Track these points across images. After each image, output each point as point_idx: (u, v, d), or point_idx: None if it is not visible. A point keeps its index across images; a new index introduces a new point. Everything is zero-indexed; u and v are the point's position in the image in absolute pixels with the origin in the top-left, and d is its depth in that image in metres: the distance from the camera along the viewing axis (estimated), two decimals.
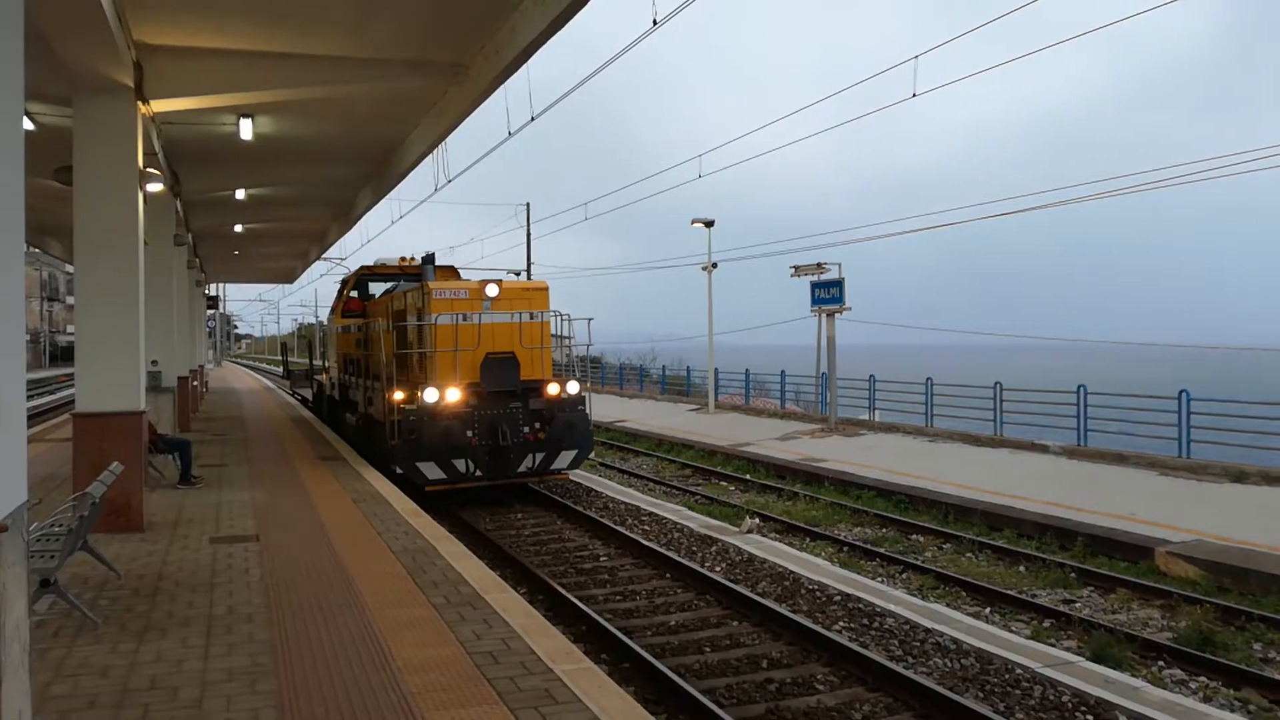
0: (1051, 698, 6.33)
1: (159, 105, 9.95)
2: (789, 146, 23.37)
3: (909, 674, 6.57)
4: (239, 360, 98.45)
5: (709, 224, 27.75)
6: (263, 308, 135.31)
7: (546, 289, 14.31)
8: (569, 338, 14.51)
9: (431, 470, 12.65)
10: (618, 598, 9.03)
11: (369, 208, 20.98)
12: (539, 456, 13.22)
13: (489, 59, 10.30)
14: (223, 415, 23.58)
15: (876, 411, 24.69)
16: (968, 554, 11.82)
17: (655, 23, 9.94)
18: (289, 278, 46.35)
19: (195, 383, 23.92)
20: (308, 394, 30.26)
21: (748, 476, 17.91)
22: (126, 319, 9.19)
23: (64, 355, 70.45)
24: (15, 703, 3.59)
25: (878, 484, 15.47)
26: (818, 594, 8.83)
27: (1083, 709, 6.13)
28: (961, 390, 22.41)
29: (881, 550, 11.95)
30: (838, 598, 8.65)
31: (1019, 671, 6.74)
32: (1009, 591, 9.95)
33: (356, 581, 7.14)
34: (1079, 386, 18.12)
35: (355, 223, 24.20)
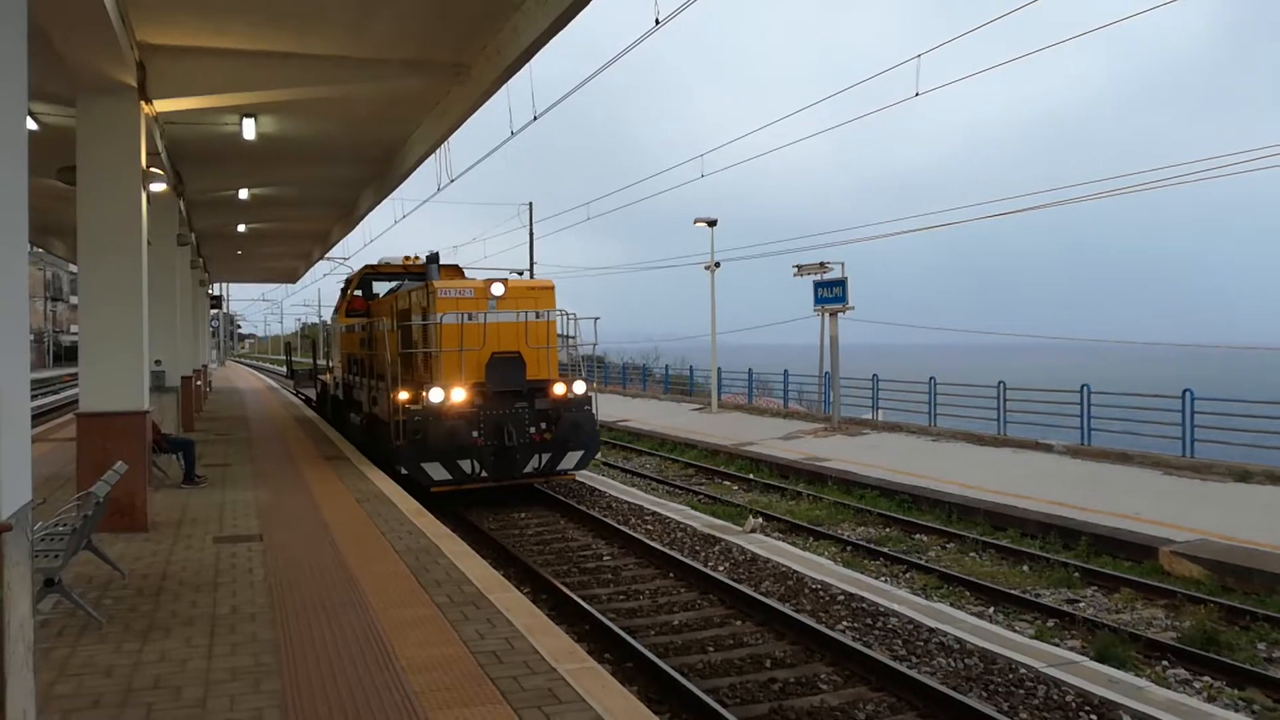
0: (1055, 697, 6.32)
1: (162, 105, 9.95)
2: (790, 146, 23.37)
3: (913, 674, 6.57)
4: (242, 360, 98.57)
5: (711, 223, 27.75)
6: (266, 307, 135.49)
7: (552, 287, 14.18)
8: (573, 337, 14.43)
9: (437, 471, 12.58)
10: (621, 597, 9.03)
11: (372, 207, 20.98)
12: (545, 457, 13.14)
13: (491, 59, 10.30)
14: (226, 415, 23.61)
15: (880, 411, 24.68)
16: (971, 553, 11.81)
17: (658, 21, 9.94)
18: (292, 277, 46.41)
19: (199, 382, 23.94)
20: (311, 394, 30.29)
21: (751, 476, 17.90)
22: (130, 319, 9.20)
23: (68, 355, 70.60)
24: (20, 702, 3.59)
25: (881, 483, 15.46)
26: (821, 593, 8.82)
27: (1086, 709, 6.12)
28: (965, 389, 22.40)
29: (885, 550, 11.94)
30: (841, 597, 8.65)
31: (1023, 671, 6.74)
32: (1013, 591, 9.94)
33: (360, 581, 7.14)
34: (1083, 386, 18.09)
35: (358, 222, 24.22)
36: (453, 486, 12.76)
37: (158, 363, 14.60)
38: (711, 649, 7.49)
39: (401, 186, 17.89)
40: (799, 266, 23.78)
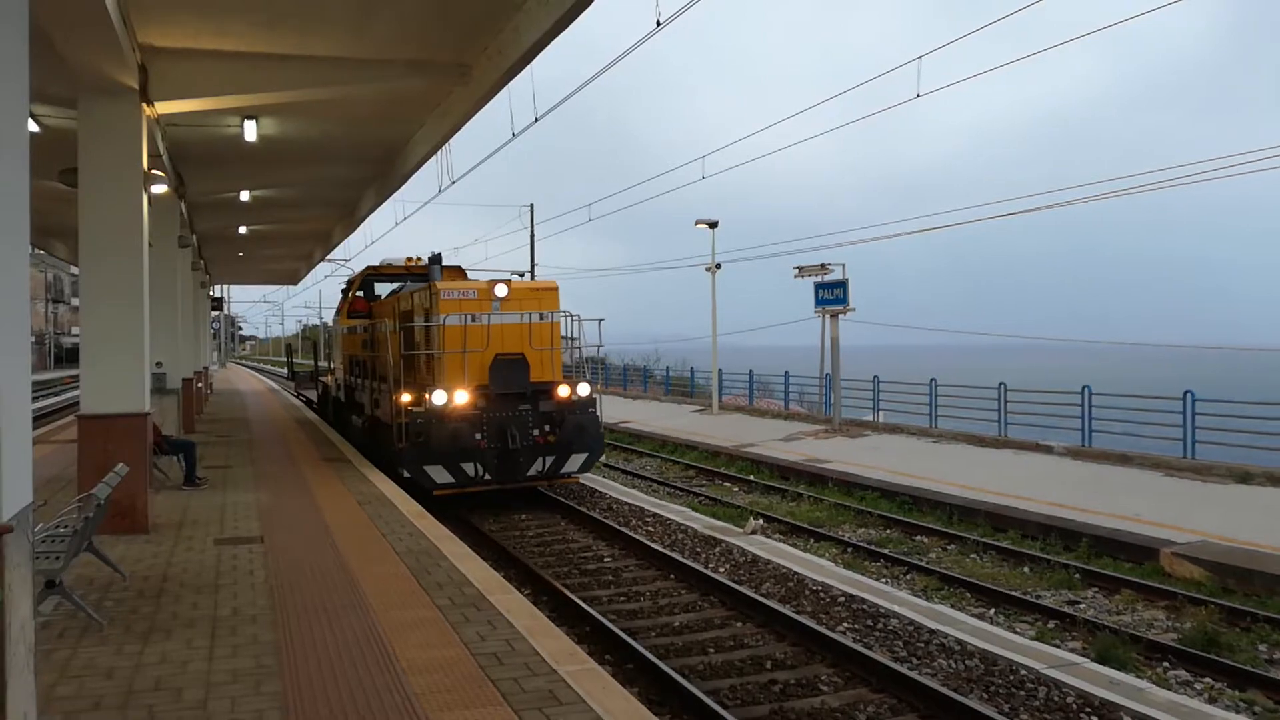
0: (1056, 699, 6.31)
1: (163, 107, 9.96)
2: (793, 147, 23.35)
3: (913, 675, 6.56)
4: (243, 362, 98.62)
5: (713, 225, 27.75)
6: (267, 309, 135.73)
7: (556, 289, 14.03)
8: (575, 338, 14.36)
9: (440, 474, 12.48)
10: (622, 599, 9.03)
11: (373, 209, 20.98)
12: (549, 460, 13.03)
13: (492, 59, 10.30)
14: (227, 417, 23.62)
15: (880, 412, 24.68)
16: (972, 555, 11.81)
17: (659, 23, 9.94)
18: (293, 279, 46.46)
19: (200, 384, 23.96)
20: (312, 396, 30.30)
21: (751, 477, 17.90)
22: (131, 321, 9.20)
23: (69, 357, 70.65)
24: (20, 704, 3.59)
25: (882, 485, 15.46)
26: (822, 595, 8.82)
27: (1087, 710, 6.11)
28: (965, 391, 22.39)
29: (885, 551, 11.93)
30: (842, 599, 8.64)
31: (1023, 673, 6.73)
32: (1013, 593, 9.94)
33: (361, 583, 7.14)
34: (1084, 387, 18.09)
35: (359, 224, 24.24)
36: (455, 490, 12.67)
37: (159, 364, 14.60)
38: (712, 650, 7.48)
39: (403, 188, 17.91)
40: (800, 268, 23.79)
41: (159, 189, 11.10)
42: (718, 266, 28.21)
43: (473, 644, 5.67)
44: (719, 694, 6.47)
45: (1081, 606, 9.66)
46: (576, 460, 13.29)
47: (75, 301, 69.82)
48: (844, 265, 22.77)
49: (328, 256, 34.60)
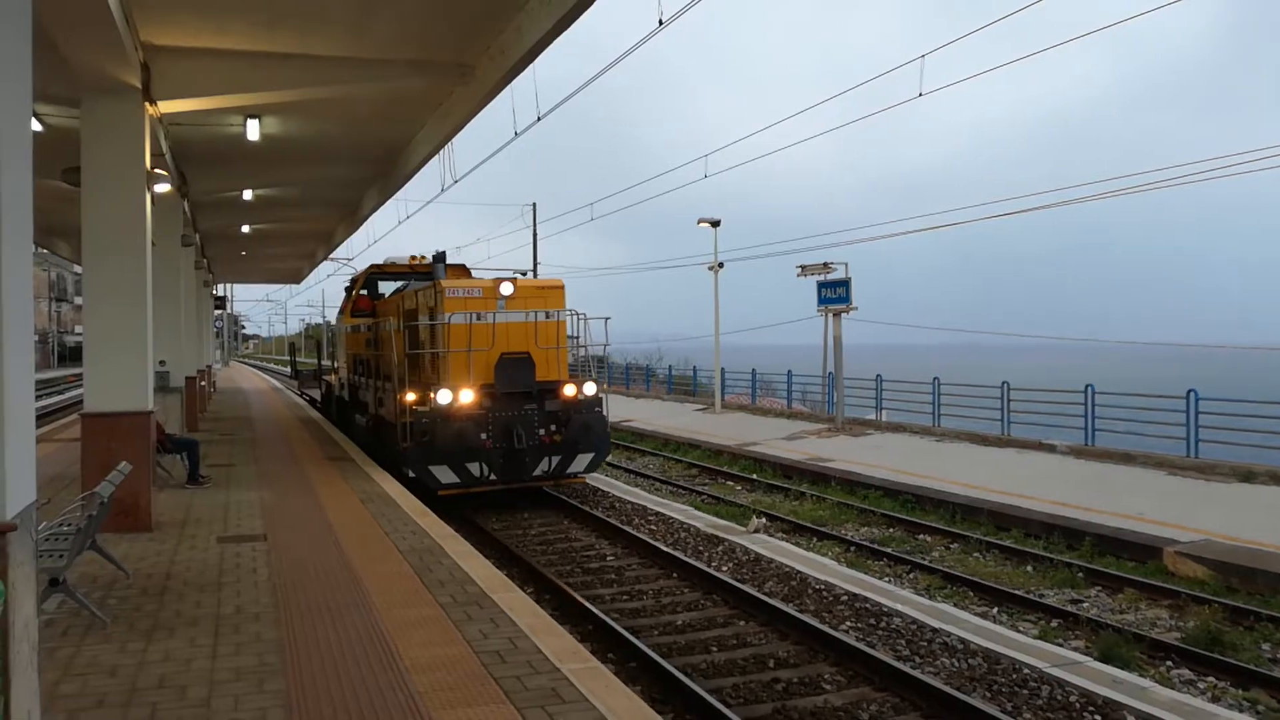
0: (1059, 698, 6.31)
1: (166, 106, 9.97)
2: (795, 146, 23.41)
3: (916, 674, 6.56)
4: (246, 360, 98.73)
5: (715, 224, 27.75)
6: (270, 308, 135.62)
7: (562, 287, 13.90)
8: (578, 338, 14.33)
9: (444, 474, 12.42)
10: (624, 597, 9.03)
11: (375, 208, 20.99)
12: (555, 460, 12.94)
13: (494, 59, 10.30)
14: (230, 415, 23.65)
15: (883, 411, 24.67)
16: (975, 554, 11.80)
17: (661, 22, 9.93)
18: (296, 278, 46.52)
19: (203, 383, 24.00)
20: (316, 394, 30.31)
21: (754, 476, 17.90)
22: (134, 319, 9.21)
23: (72, 355, 70.72)
24: (24, 701, 3.60)
25: (885, 484, 15.45)
26: (824, 594, 8.82)
27: (1090, 709, 6.11)
28: (968, 390, 22.38)
29: (888, 550, 11.93)
30: (844, 597, 8.64)
31: (1026, 671, 6.73)
32: (1016, 591, 9.93)
33: (364, 581, 7.15)
34: (1086, 386, 18.08)
35: (362, 223, 24.25)
36: (461, 490, 12.60)
37: (162, 363, 14.62)
38: (715, 649, 7.48)
39: (405, 187, 17.92)
40: (803, 267, 23.78)
41: (162, 188, 11.13)
42: (720, 265, 28.21)
43: (475, 642, 5.68)
44: (722, 692, 6.47)
45: (1085, 605, 9.65)
46: (583, 460, 13.20)
47: (78, 300, 69.93)
48: (846, 264, 22.77)
49: (330, 255, 34.64)
